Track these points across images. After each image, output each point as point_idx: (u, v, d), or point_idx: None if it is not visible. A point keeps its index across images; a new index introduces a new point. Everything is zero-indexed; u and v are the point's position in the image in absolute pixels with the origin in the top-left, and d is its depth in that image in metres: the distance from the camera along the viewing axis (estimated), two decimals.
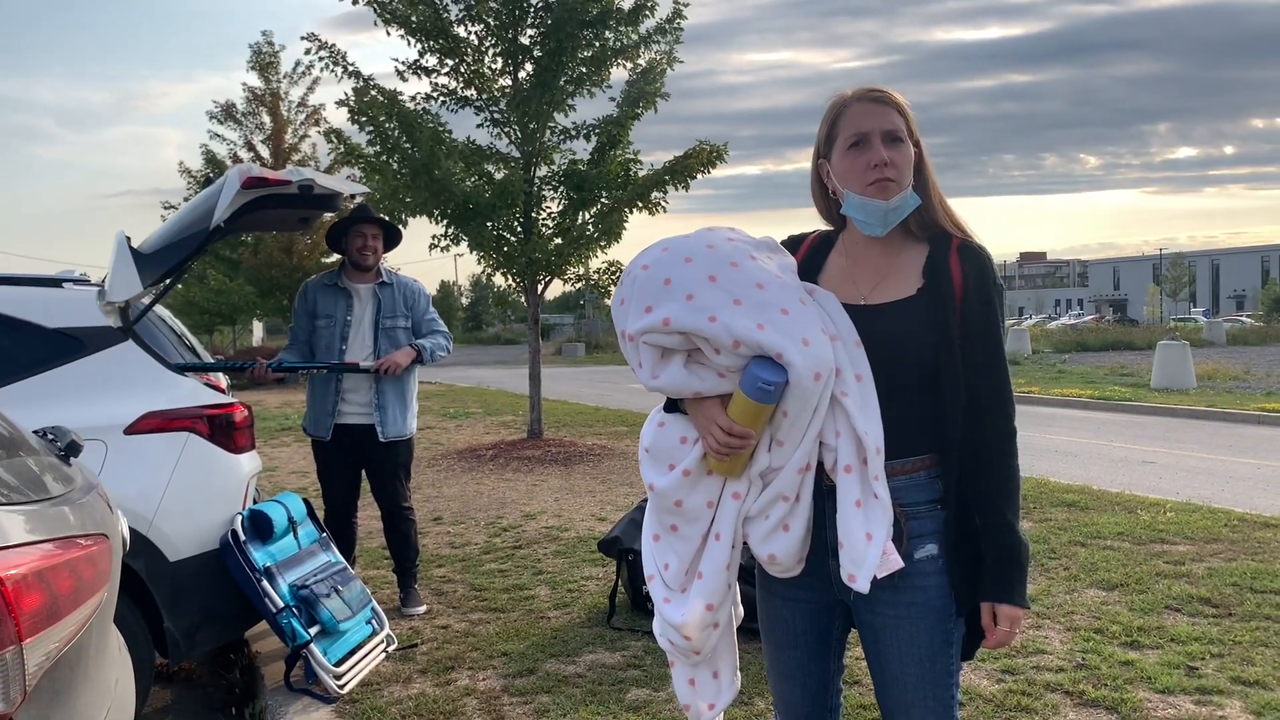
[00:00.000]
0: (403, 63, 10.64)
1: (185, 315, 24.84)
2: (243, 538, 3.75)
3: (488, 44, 10.59)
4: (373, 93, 10.08)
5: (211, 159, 25.05)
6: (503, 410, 15.73)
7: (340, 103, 10.01)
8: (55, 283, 3.91)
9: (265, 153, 23.63)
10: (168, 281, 4.05)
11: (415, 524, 4.99)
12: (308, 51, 10.38)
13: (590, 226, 10.46)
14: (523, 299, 11.56)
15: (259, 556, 3.77)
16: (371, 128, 10.04)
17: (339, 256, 4.95)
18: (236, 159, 23.77)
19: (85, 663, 1.80)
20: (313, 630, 3.79)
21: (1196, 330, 37.46)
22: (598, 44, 10.41)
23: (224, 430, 3.78)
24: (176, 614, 3.54)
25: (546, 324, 56.49)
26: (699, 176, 10.28)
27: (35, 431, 2.22)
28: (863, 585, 1.79)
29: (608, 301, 12.41)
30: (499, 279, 11.39)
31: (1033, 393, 16.12)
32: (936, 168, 1.99)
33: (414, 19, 10.20)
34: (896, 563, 1.80)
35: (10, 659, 1.49)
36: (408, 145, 10.02)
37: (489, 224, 10.34)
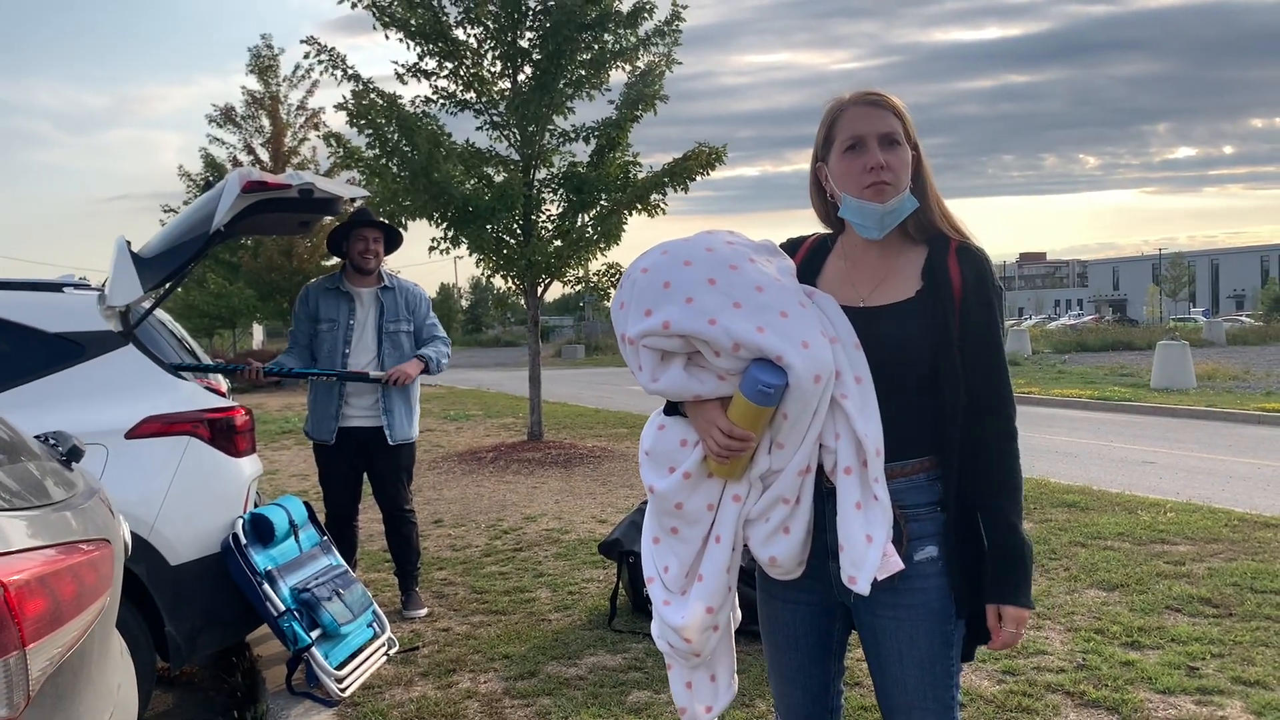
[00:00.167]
0: (402, 66, 10.66)
1: (185, 319, 24.86)
2: (244, 541, 3.75)
3: (487, 47, 10.60)
4: (372, 96, 10.08)
5: (211, 162, 25.09)
6: (503, 412, 15.73)
7: (339, 106, 10.01)
8: (56, 287, 3.91)
9: (265, 156, 23.65)
10: (168, 286, 4.05)
11: (416, 527, 5.00)
12: (307, 55, 10.38)
13: (590, 229, 10.47)
14: (522, 301, 11.57)
15: (260, 560, 3.77)
16: (371, 131, 10.05)
17: (340, 260, 4.96)
18: (236, 162, 23.79)
19: (88, 668, 1.81)
20: (314, 633, 3.79)
21: (1196, 330, 37.46)
22: (596, 47, 10.42)
23: (225, 434, 3.78)
24: (178, 618, 3.55)
25: (546, 326, 56.50)
26: (698, 178, 10.29)
27: (37, 436, 2.22)
28: (863, 587, 1.80)
29: (607, 303, 12.40)
30: (499, 281, 11.41)
31: (1032, 393, 16.12)
32: (936, 168, 2.00)
33: (413, 22, 10.22)
34: (897, 564, 1.80)
35: (14, 664, 1.50)
36: (407, 148, 10.02)
37: (488, 226, 10.34)
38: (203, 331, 29.86)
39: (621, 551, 4.69)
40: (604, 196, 10.52)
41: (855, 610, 1.96)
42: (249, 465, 3.96)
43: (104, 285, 3.89)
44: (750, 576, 2.07)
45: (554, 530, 6.73)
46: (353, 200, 4.98)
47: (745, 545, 1.93)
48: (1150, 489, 7.87)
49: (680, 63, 10.66)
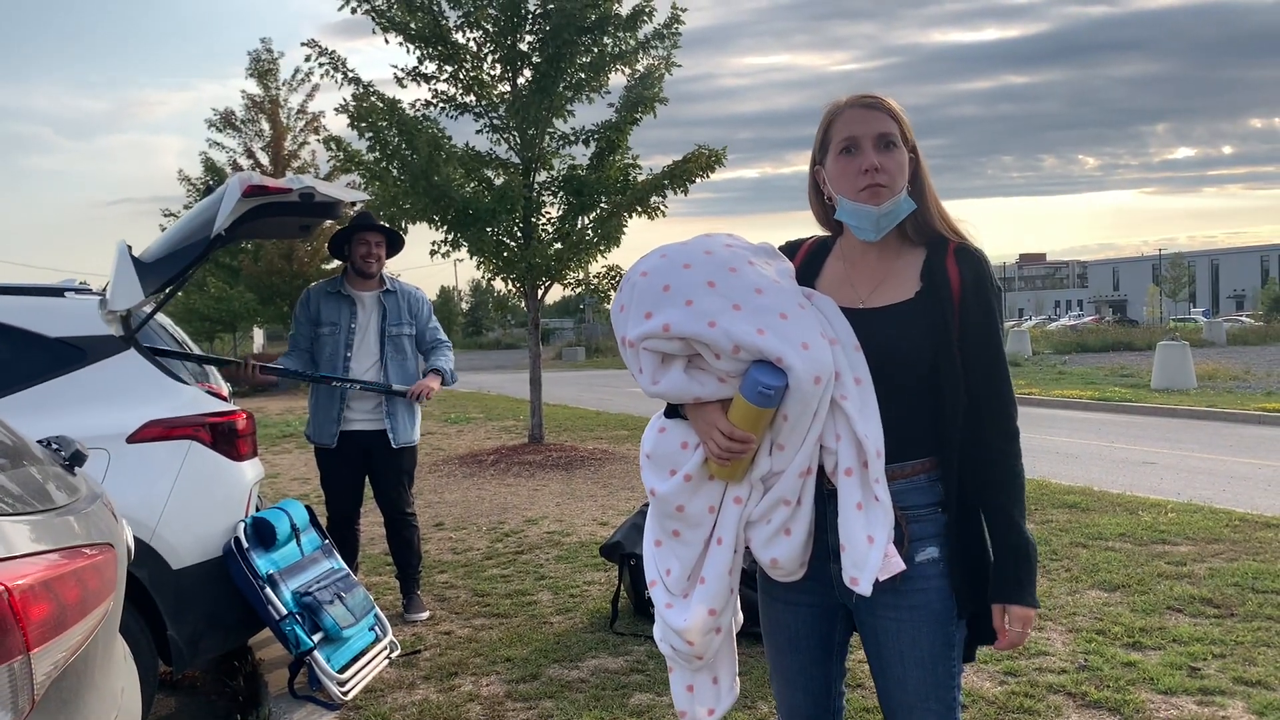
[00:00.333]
0: (402, 69, 10.67)
1: (186, 323, 24.88)
2: (245, 545, 3.75)
3: (486, 50, 10.61)
4: (372, 99, 10.09)
5: (211, 166, 25.11)
6: (503, 415, 15.73)
7: (339, 109, 10.03)
8: (57, 292, 3.92)
9: (265, 160, 23.67)
10: (169, 290, 4.06)
11: (418, 530, 5.00)
12: (307, 58, 10.39)
13: (590, 231, 10.48)
14: (523, 304, 11.58)
15: (262, 564, 3.77)
16: (371, 134, 10.06)
17: (340, 263, 4.97)
18: (236, 166, 23.81)
19: (92, 672, 1.81)
20: (316, 637, 3.79)
21: (1196, 330, 37.46)
22: (596, 50, 10.44)
23: (226, 438, 3.79)
24: (180, 622, 3.55)
25: (546, 328, 56.48)
26: (698, 180, 10.31)
27: (39, 441, 2.23)
28: (865, 588, 1.80)
29: (607, 306, 12.42)
30: (499, 284, 11.42)
31: (1033, 394, 16.12)
32: (935, 170, 2.00)
33: (413, 26, 10.23)
34: (898, 565, 1.81)
35: (18, 669, 1.50)
36: (407, 152, 10.03)
37: (489, 229, 10.35)
38: (203, 335, 29.86)
39: (623, 554, 4.70)
40: (604, 199, 10.53)
41: (856, 612, 1.96)
42: (251, 469, 3.96)
43: (105, 290, 3.89)
44: (751, 578, 2.07)
45: (555, 533, 6.74)
46: (353, 204, 4.99)
47: (747, 547, 1.93)
48: (1151, 489, 7.87)
49: (679, 65, 10.68)
